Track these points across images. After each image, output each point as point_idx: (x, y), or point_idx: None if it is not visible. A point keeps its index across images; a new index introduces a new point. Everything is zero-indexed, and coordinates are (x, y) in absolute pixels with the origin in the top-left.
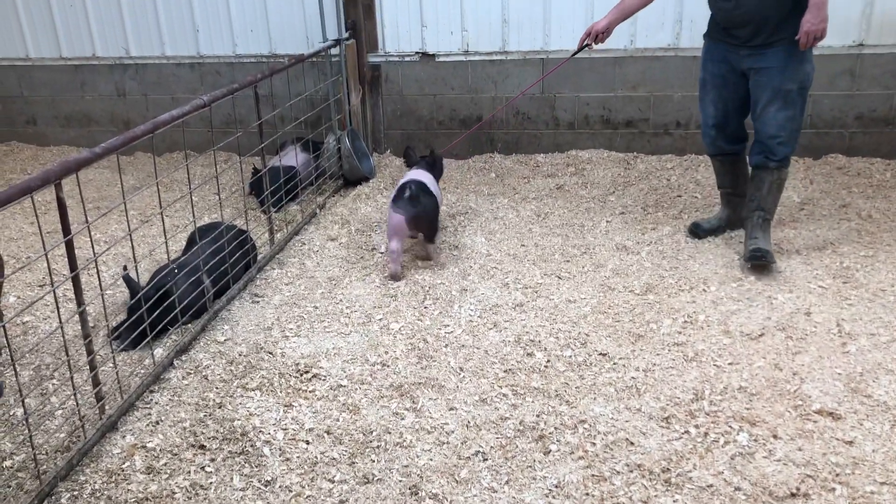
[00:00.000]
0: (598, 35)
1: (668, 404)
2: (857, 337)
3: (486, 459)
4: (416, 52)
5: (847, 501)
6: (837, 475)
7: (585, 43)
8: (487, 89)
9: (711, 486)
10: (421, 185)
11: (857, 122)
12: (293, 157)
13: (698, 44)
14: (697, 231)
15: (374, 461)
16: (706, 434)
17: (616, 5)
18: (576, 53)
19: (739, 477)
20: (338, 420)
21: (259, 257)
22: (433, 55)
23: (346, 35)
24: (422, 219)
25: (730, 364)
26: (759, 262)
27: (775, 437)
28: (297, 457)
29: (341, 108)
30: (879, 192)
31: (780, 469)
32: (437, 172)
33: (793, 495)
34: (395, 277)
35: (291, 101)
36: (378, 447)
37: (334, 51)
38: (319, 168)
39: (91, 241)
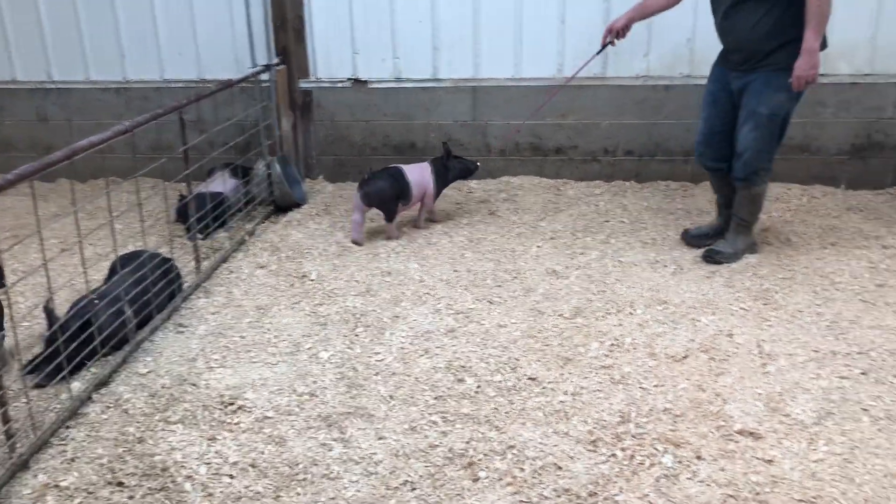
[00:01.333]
0: (619, 32)
1: (595, 427)
2: (777, 357)
3: (415, 489)
4: (348, 78)
5: None
6: (758, 494)
7: (608, 41)
8: (420, 116)
9: None
10: (395, 171)
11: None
12: (221, 184)
13: (624, 73)
14: (687, 238)
15: (299, 494)
16: (632, 457)
17: (637, 4)
18: (599, 52)
19: (664, 499)
20: (263, 453)
21: (185, 286)
22: (365, 81)
23: (276, 60)
24: (373, 197)
25: (655, 386)
26: (707, 260)
27: (699, 458)
28: (221, 492)
29: (272, 133)
30: (797, 217)
31: (703, 490)
32: (449, 170)
33: None
34: (355, 243)
35: (219, 127)
36: (304, 480)
37: (264, 76)
38: (249, 194)
39: (1, 270)
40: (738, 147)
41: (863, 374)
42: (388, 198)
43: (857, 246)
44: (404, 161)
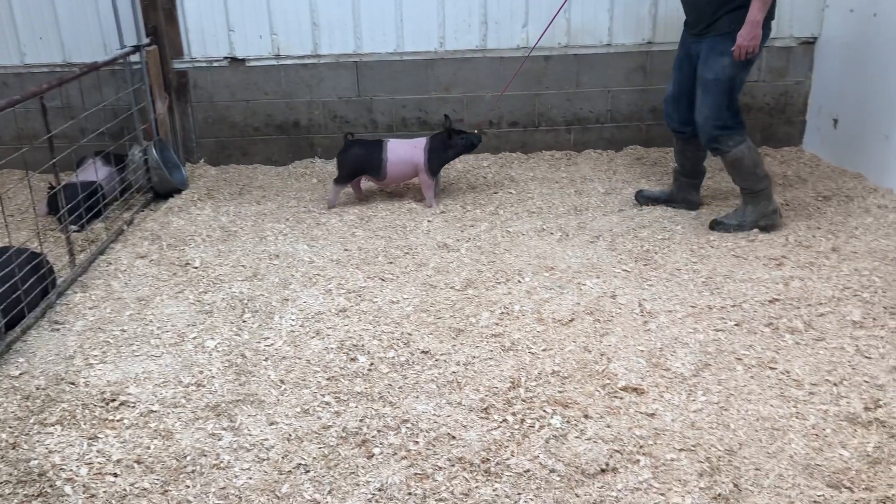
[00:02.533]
0: None
1: (486, 395)
2: (657, 315)
3: (309, 471)
4: (225, 57)
5: (650, 471)
6: (641, 447)
7: None
8: (302, 93)
9: (528, 471)
10: (371, 143)
11: (652, 114)
12: (93, 172)
13: (505, 45)
14: (639, 197)
15: (188, 487)
16: (523, 420)
17: None
18: (562, 7)
19: (554, 459)
20: (149, 448)
21: (59, 281)
22: (243, 60)
23: (146, 41)
24: (338, 160)
25: (543, 350)
26: (713, 228)
27: (586, 416)
28: (104, 491)
29: (146, 117)
30: None
31: (590, 447)
32: (450, 147)
33: (602, 471)
34: (329, 206)
35: (87, 112)
36: (193, 472)
37: (135, 58)
38: (125, 182)
39: None
40: (695, 112)
41: (736, 325)
42: (342, 164)
43: (729, 205)
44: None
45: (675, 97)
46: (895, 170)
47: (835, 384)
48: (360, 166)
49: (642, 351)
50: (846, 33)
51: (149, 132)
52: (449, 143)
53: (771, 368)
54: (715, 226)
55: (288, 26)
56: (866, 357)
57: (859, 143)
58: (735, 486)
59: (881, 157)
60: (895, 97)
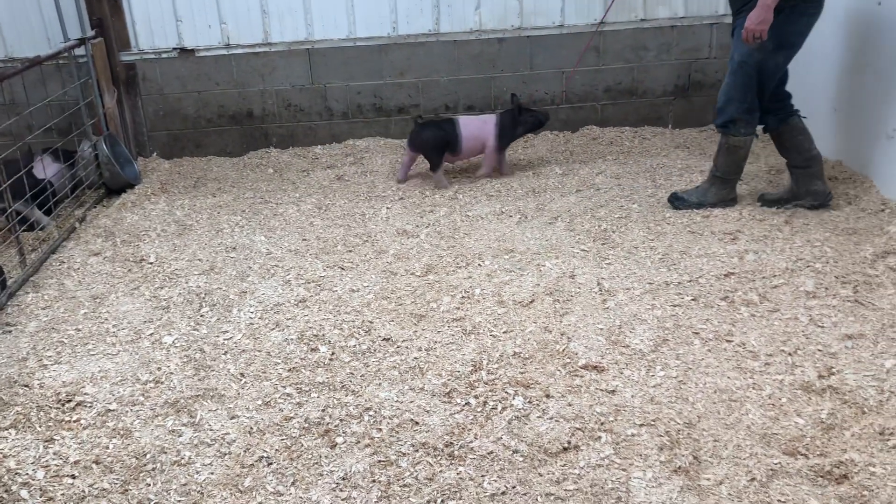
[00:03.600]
0: None
1: (449, 379)
2: (616, 293)
3: (271, 463)
4: (174, 48)
5: (611, 447)
6: (602, 424)
7: None
8: (254, 83)
9: (492, 452)
10: (446, 122)
11: (606, 94)
12: (41, 169)
13: (458, 28)
14: (763, 201)
15: (149, 485)
16: (485, 403)
17: None
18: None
19: (517, 440)
20: (107, 448)
21: (9, 282)
22: (192, 50)
23: (91, 33)
24: (417, 145)
25: (504, 332)
26: (671, 204)
27: (548, 396)
28: (62, 494)
29: (95, 112)
30: (630, 158)
31: (552, 426)
32: (519, 124)
33: (565, 449)
34: (398, 182)
35: (32, 108)
36: (154, 469)
37: (80, 51)
38: (75, 178)
39: None
40: (719, 93)
41: (693, 300)
42: (429, 147)
43: (685, 181)
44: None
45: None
46: (844, 142)
47: (789, 354)
48: (443, 145)
49: (601, 329)
50: None
51: (98, 127)
52: (518, 119)
53: (727, 341)
54: (674, 201)
55: (237, 14)
56: (819, 326)
57: (809, 116)
58: (694, 458)
59: (829, 130)
60: (838, 70)
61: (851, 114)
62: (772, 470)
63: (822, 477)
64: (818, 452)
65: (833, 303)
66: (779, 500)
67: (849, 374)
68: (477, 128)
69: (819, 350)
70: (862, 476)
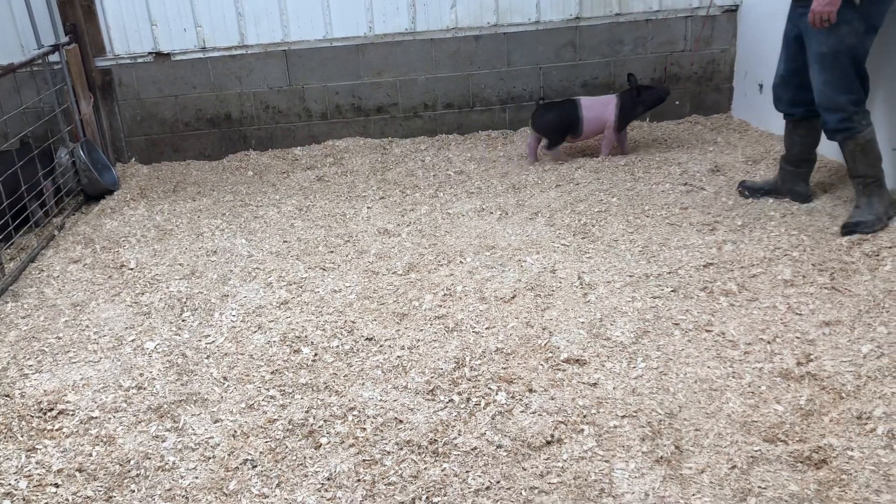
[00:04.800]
0: None
1: (432, 377)
2: (596, 286)
3: (256, 466)
4: (150, 53)
5: (594, 439)
6: (585, 416)
7: None
8: (231, 85)
9: (476, 448)
10: (566, 104)
11: (583, 89)
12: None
13: (435, 26)
14: (742, 189)
15: (133, 492)
16: (468, 399)
17: None
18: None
19: (500, 435)
20: (91, 455)
21: None
22: (168, 54)
23: (65, 39)
24: (539, 127)
25: (487, 329)
26: (846, 233)
27: (531, 390)
28: (45, 503)
29: (71, 118)
30: (610, 151)
31: (535, 420)
32: (640, 103)
33: (548, 443)
34: (530, 164)
35: (6, 116)
36: (138, 476)
37: (54, 57)
38: (54, 185)
39: None
40: (815, 97)
41: (673, 291)
42: (550, 128)
43: (663, 173)
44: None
45: (785, 77)
46: None
47: (768, 342)
48: (565, 127)
49: (583, 322)
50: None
51: (75, 133)
52: (638, 99)
53: (707, 331)
54: (853, 228)
55: (212, 17)
56: (797, 314)
57: None
58: (676, 447)
59: None
60: None
61: None
62: (752, 457)
63: (801, 462)
64: (797, 438)
65: (810, 290)
66: (759, 487)
67: (826, 361)
68: (598, 109)
69: (797, 337)
70: (840, 460)
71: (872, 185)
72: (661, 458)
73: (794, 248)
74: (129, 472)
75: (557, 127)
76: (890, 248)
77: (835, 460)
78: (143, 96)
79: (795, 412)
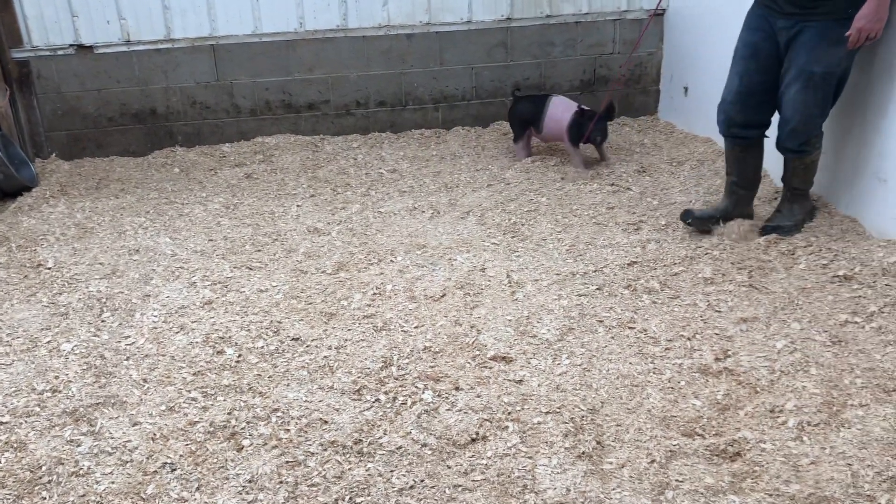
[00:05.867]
0: None
1: (359, 376)
2: (524, 284)
3: (175, 469)
4: (71, 45)
5: (518, 436)
6: (510, 413)
7: None
8: (157, 80)
9: (401, 447)
10: (537, 98)
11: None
12: None
13: (367, 24)
14: (687, 218)
15: (45, 499)
16: (395, 398)
17: None
18: None
19: (426, 433)
20: None
21: None
22: (91, 47)
23: None
24: (508, 116)
25: (416, 327)
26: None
27: (457, 388)
28: None
29: None
30: (540, 153)
31: (461, 418)
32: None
33: (473, 440)
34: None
35: None
36: (50, 482)
37: None
38: None
39: None
40: (783, 112)
41: (598, 289)
42: (512, 119)
43: (592, 172)
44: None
45: (743, 94)
46: None
47: (688, 339)
48: (526, 119)
49: (510, 320)
50: (693, 4)
51: None
52: (584, 123)
53: (630, 328)
54: (770, 231)
55: (137, 10)
56: (716, 311)
57: (708, 109)
58: (598, 443)
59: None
60: None
61: None
62: (671, 451)
63: (717, 455)
64: (714, 432)
65: (729, 288)
66: (677, 481)
67: (743, 356)
68: (560, 112)
69: (716, 334)
70: (753, 453)
71: (800, 195)
72: (583, 453)
73: (715, 247)
74: (40, 478)
75: (518, 119)
76: (805, 247)
77: (748, 453)
78: (63, 90)
79: (713, 407)
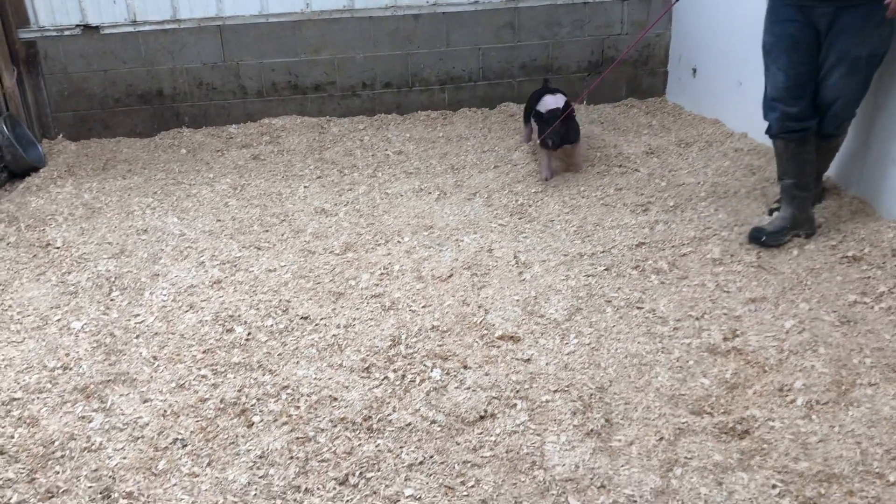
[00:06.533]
0: None
1: (367, 355)
2: (532, 265)
3: (186, 445)
4: (77, 25)
5: (527, 414)
6: (518, 391)
7: None
8: (163, 61)
9: (410, 424)
10: (542, 90)
11: (522, 70)
12: None
13: (373, 4)
14: (760, 234)
15: (58, 473)
16: (404, 376)
17: None
18: None
19: (435, 410)
20: (13, 437)
21: None
22: (97, 27)
23: None
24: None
25: (423, 307)
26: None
27: (465, 367)
28: None
29: None
30: None
31: (469, 396)
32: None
33: (482, 418)
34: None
35: None
36: (63, 457)
37: None
38: None
39: None
40: (824, 97)
41: (606, 270)
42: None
43: (602, 154)
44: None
45: (792, 87)
46: (748, 115)
47: (697, 318)
48: (527, 112)
49: (518, 300)
50: None
51: None
52: (539, 122)
53: (638, 308)
54: (757, 237)
55: None
56: (725, 291)
57: (716, 90)
58: (606, 420)
59: (736, 103)
60: (747, 45)
61: (755, 87)
62: (679, 429)
63: (725, 433)
64: (722, 410)
65: (738, 269)
66: (685, 458)
67: (752, 336)
68: (542, 107)
69: (724, 314)
70: (762, 430)
71: (802, 198)
72: (592, 430)
73: (724, 227)
74: (53, 453)
75: (526, 106)
76: None
77: (757, 430)
78: (70, 70)
79: (721, 385)
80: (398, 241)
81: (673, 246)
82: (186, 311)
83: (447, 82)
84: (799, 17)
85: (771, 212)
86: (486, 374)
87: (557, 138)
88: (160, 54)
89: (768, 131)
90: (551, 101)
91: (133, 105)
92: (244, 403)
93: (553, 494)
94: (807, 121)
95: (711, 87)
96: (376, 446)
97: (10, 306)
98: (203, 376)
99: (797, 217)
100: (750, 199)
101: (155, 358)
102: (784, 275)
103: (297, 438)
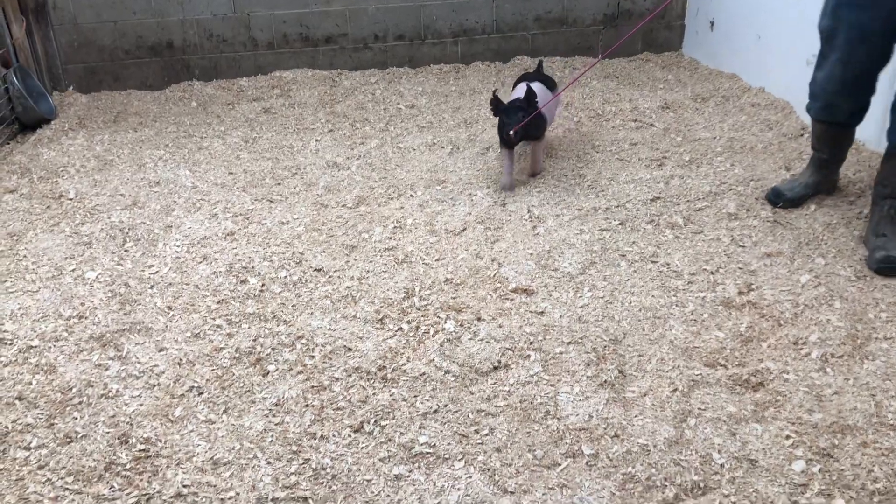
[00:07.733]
0: None
1: (381, 306)
2: (545, 219)
3: (202, 393)
4: None
5: (540, 365)
6: (531, 343)
7: None
8: (173, 11)
9: (424, 374)
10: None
11: (536, 23)
12: None
13: None
14: (778, 199)
15: (76, 418)
16: (418, 328)
17: None
18: None
19: (448, 361)
20: (31, 384)
21: None
22: None
23: None
24: None
25: (437, 260)
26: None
27: (479, 319)
28: None
29: (2, 42)
30: (560, 88)
31: (483, 347)
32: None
33: (495, 368)
34: None
35: None
36: (80, 403)
37: None
38: None
39: None
40: None
41: (620, 224)
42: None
43: (616, 108)
44: None
45: (850, 83)
46: (766, 69)
47: (711, 272)
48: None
49: (531, 254)
50: None
51: (7, 59)
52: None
53: (653, 262)
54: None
55: None
56: (741, 246)
57: (734, 44)
58: (620, 372)
59: (754, 57)
60: None
61: (774, 40)
62: (693, 381)
63: (739, 385)
64: (736, 363)
65: (754, 223)
66: (699, 409)
67: (767, 290)
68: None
69: (739, 268)
70: (776, 383)
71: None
72: (605, 381)
73: (740, 182)
74: (70, 399)
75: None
76: None
77: (771, 383)
78: (79, 21)
79: (735, 338)
80: (411, 195)
81: (688, 201)
82: (200, 262)
83: (460, 35)
84: (878, 3)
85: (789, 170)
86: (500, 326)
87: (514, 135)
88: (170, 5)
89: (808, 110)
90: (520, 91)
91: (143, 57)
92: (259, 353)
93: (566, 443)
94: (855, 116)
95: (729, 41)
96: (391, 395)
97: (24, 256)
98: (218, 326)
99: (821, 184)
100: (766, 154)
101: (170, 308)
102: (800, 230)
103: (312, 387)
